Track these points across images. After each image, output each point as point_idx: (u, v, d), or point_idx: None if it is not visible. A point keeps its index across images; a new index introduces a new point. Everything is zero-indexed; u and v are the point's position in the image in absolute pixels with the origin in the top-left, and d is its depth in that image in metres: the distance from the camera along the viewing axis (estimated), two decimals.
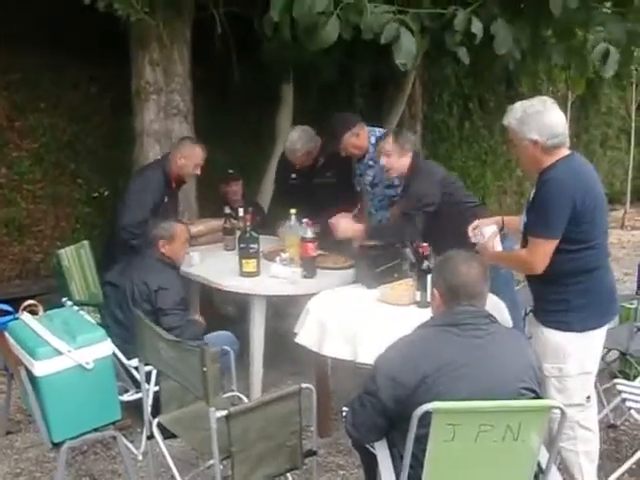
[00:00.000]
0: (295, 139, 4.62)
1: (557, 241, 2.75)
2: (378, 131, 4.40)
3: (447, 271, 2.41)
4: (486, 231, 3.19)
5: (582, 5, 4.11)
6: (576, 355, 2.86)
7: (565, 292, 2.84)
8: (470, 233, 3.24)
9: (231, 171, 5.22)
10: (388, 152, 3.94)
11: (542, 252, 2.78)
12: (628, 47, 4.34)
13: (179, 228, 3.82)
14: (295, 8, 3.65)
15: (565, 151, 2.83)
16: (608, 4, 4.43)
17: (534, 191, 2.87)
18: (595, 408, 3.07)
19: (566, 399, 2.86)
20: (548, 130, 2.76)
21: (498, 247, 3.15)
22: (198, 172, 4.49)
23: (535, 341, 2.95)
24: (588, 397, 2.96)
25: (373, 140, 4.32)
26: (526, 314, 4.27)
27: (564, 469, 2.98)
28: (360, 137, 4.31)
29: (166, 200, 4.38)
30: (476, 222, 3.28)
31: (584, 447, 2.97)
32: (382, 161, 3.97)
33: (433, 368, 2.17)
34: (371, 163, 4.35)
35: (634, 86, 10.20)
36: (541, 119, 2.77)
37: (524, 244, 2.94)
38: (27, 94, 5.57)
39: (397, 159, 3.93)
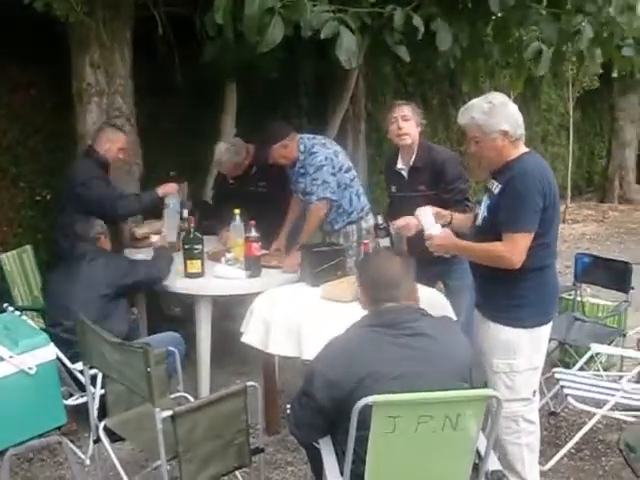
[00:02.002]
0: (222, 151, 4.69)
1: (532, 234, 2.76)
2: (307, 138, 4.36)
3: (368, 270, 2.45)
4: (428, 222, 3.13)
5: (518, 4, 4.23)
6: (525, 351, 2.91)
7: (521, 288, 2.86)
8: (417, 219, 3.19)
9: (173, 173, 5.08)
10: (406, 117, 3.84)
11: (520, 246, 2.77)
12: (560, 47, 4.46)
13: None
14: (246, 7, 3.65)
15: (524, 147, 2.89)
16: (543, 4, 4.55)
17: (499, 186, 2.86)
18: (537, 402, 3.14)
19: (514, 394, 2.93)
20: (514, 120, 2.81)
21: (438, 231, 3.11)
22: (122, 156, 4.54)
23: (482, 337, 2.99)
24: (534, 392, 3.02)
25: (302, 148, 4.27)
26: None
27: (505, 461, 3.03)
28: (288, 148, 4.24)
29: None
30: (405, 219, 3.26)
31: (527, 439, 3.03)
32: (400, 124, 3.83)
33: (367, 371, 2.19)
34: (302, 171, 4.30)
35: (570, 84, 10.48)
36: (507, 110, 2.82)
37: (479, 236, 2.94)
38: None
39: (415, 126, 3.87)
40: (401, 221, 3.37)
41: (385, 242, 3.61)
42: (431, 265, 3.23)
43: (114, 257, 4.05)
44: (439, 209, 3.29)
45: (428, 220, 3.13)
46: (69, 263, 3.82)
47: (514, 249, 2.77)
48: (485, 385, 2.92)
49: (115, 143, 4.43)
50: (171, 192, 4.51)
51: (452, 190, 3.77)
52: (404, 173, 3.98)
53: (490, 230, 2.89)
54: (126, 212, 4.44)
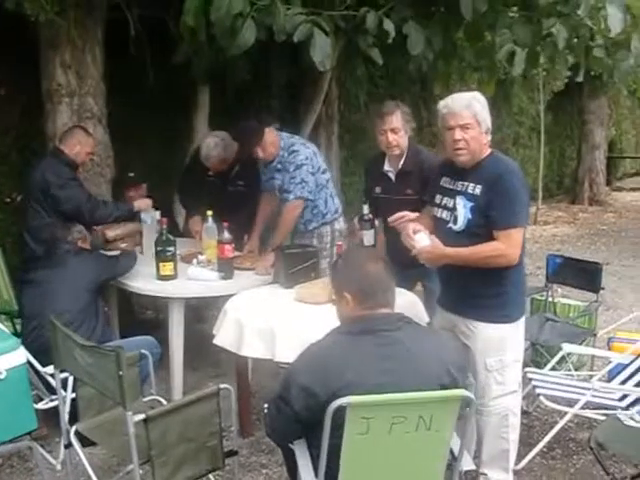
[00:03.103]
0: (212, 146, 4.59)
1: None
2: (286, 136, 4.34)
3: (359, 273, 2.35)
4: (420, 237, 2.99)
5: (490, 9, 4.27)
6: (512, 344, 3.01)
7: (505, 285, 2.94)
8: (410, 239, 3.01)
9: (131, 174, 5.02)
10: (396, 129, 3.78)
11: (518, 242, 2.85)
12: (533, 48, 4.51)
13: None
14: (212, 11, 3.65)
15: None
16: (515, 8, 4.60)
17: (477, 186, 2.88)
18: (521, 393, 3.21)
19: (505, 389, 3.00)
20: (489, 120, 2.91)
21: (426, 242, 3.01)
22: (88, 161, 4.56)
23: (470, 340, 3.02)
24: (519, 382, 3.11)
25: (282, 144, 4.25)
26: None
27: (493, 458, 3.10)
28: (267, 143, 4.19)
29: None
30: (413, 227, 3.04)
31: (514, 435, 3.11)
32: (389, 138, 3.78)
33: (344, 382, 2.14)
34: (279, 167, 4.28)
35: (541, 87, 10.59)
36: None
37: (465, 241, 2.91)
38: None
39: (404, 135, 3.81)
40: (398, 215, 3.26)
41: (369, 234, 3.60)
42: (410, 267, 3.23)
43: (97, 253, 4.11)
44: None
45: (421, 235, 3.00)
46: (52, 262, 3.81)
47: (512, 245, 2.84)
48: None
49: (85, 147, 4.39)
50: (145, 208, 4.54)
51: None
52: (391, 175, 3.94)
53: (476, 232, 2.89)
54: (102, 219, 4.37)
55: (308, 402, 2.20)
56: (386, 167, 3.95)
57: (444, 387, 2.23)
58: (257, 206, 4.54)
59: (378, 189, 3.98)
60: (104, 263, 4.00)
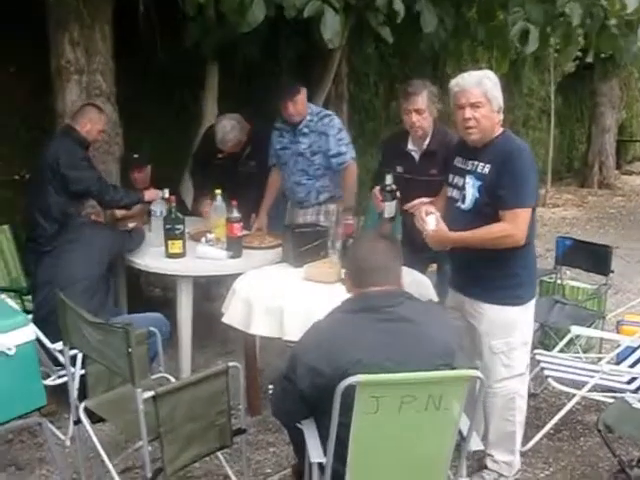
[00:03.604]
0: (228, 129, 4.56)
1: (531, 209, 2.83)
2: (313, 105, 4.46)
3: (354, 254, 2.43)
4: (430, 219, 3.00)
5: None
6: (521, 326, 2.98)
7: (516, 267, 2.92)
8: (422, 221, 3.02)
9: (136, 155, 4.99)
10: (420, 110, 3.65)
11: (525, 222, 2.81)
12: (544, 29, 4.46)
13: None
14: None
15: None
16: None
17: (486, 165, 2.87)
18: (528, 375, 3.20)
19: (511, 371, 2.99)
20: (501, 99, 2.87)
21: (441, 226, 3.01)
22: (100, 138, 4.53)
23: (477, 321, 3.01)
24: (527, 365, 3.09)
25: (310, 111, 4.35)
26: None
27: (499, 439, 3.10)
28: (298, 104, 4.27)
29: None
30: (425, 209, 3.06)
31: (520, 417, 3.11)
32: (413, 118, 3.66)
33: (349, 360, 2.15)
34: (305, 131, 4.33)
35: (552, 69, 10.49)
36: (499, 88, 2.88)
37: (473, 221, 2.89)
38: None
39: (429, 116, 3.69)
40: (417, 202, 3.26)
41: (391, 206, 3.52)
42: (425, 249, 3.18)
43: (111, 226, 4.25)
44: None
45: (431, 218, 3.00)
46: (67, 234, 3.85)
47: (519, 225, 2.80)
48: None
49: (96, 124, 4.35)
50: (154, 198, 4.50)
51: None
52: (415, 155, 3.83)
53: (483, 211, 2.88)
54: (110, 204, 4.38)
55: (314, 381, 2.21)
56: (410, 146, 3.84)
57: (446, 363, 2.24)
58: (265, 186, 4.55)
59: (400, 168, 3.81)
60: (117, 236, 4.04)
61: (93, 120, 4.34)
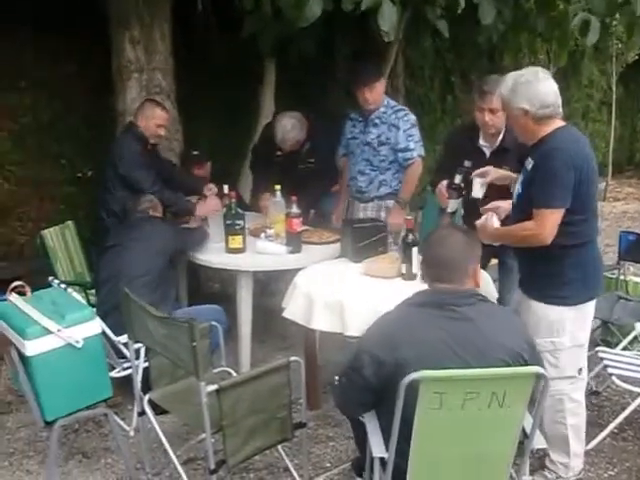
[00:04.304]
0: (289, 129, 4.57)
1: (563, 210, 2.74)
2: (389, 98, 4.46)
3: (428, 249, 2.43)
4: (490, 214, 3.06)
5: None
6: (570, 328, 2.89)
7: (560, 266, 2.84)
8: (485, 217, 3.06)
9: (195, 152, 5.05)
10: (495, 109, 3.53)
11: (551, 223, 2.74)
12: (605, 18, 4.37)
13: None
14: None
15: (559, 122, 2.83)
16: None
17: (531, 162, 2.84)
18: (585, 381, 3.12)
19: (559, 372, 2.91)
20: (538, 100, 2.75)
21: (496, 225, 3.05)
22: (162, 133, 4.51)
23: (526, 317, 2.96)
24: (580, 369, 3.00)
25: (385, 102, 4.37)
26: None
27: (550, 440, 3.01)
28: (375, 91, 4.28)
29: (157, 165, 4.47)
30: (494, 204, 3.12)
31: (572, 420, 3.03)
32: (486, 117, 3.59)
33: (413, 354, 2.18)
34: (377, 122, 4.35)
35: (614, 58, 10.24)
36: (531, 89, 2.77)
37: (516, 214, 2.92)
38: (6, 73, 5.50)
39: (502, 115, 3.48)
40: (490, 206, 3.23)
41: (454, 203, 3.55)
42: (486, 243, 3.15)
43: (171, 221, 4.29)
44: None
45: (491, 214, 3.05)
46: (126, 229, 3.93)
47: (543, 225, 2.75)
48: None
49: (152, 119, 4.41)
50: (207, 214, 4.38)
51: None
52: (486, 150, 3.75)
53: (524, 206, 2.86)
54: (163, 202, 4.28)
55: (379, 370, 2.24)
56: (481, 142, 3.76)
57: (509, 366, 2.23)
58: (324, 181, 4.61)
59: (468, 163, 3.66)
60: (177, 232, 4.09)
61: (148, 116, 4.41)
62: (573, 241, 2.80)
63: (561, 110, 2.83)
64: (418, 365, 2.12)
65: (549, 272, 2.87)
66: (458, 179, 3.51)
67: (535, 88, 2.77)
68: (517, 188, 2.96)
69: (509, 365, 2.23)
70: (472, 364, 2.18)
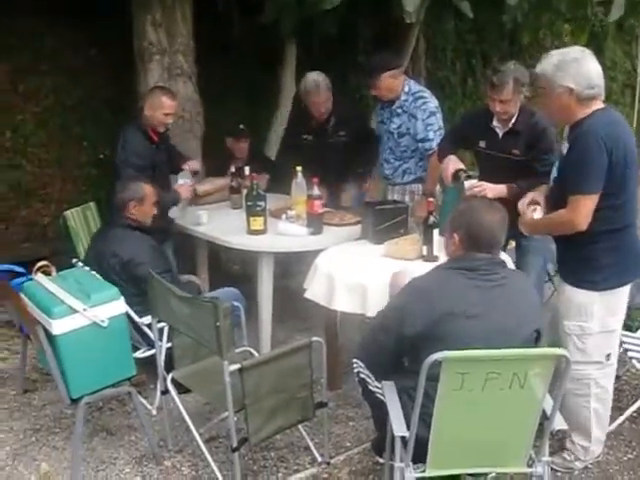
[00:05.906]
0: (321, 79, 4.51)
1: (598, 195, 2.69)
2: (412, 82, 4.43)
3: (471, 219, 2.51)
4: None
5: None
6: (599, 313, 2.87)
7: (592, 250, 2.81)
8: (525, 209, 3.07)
9: (242, 126, 5.09)
10: (505, 100, 3.56)
11: (584, 208, 2.70)
12: None
13: (148, 189, 3.73)
14: None
15: (600, 104, 2.77)
16: None
17: (567, 145, 2.80)
18: (614, 367, 3.08)
19: (586, 357, 2.91)
20: (585, 79, 2.69)
21: (537, 216, 3.03)
22: (169, 121, 4.35)
23: (560, 298, 2.99)
24: (608, 355, 2.96)
25: (407, 89, 4.32)
26: None
27: (572, 422, 3.02)
28: (397, 80, 4.27)
29: (154, 156, 4.34)
30: (531, 195, 3.11)
31: (596, 405, 3.02)
32: (497, 107, 3.59)
33: (447, 308, 2.34)
34: (399, 111, 4.33)
35: (639, 39, 10.09)
36: (579, 67, 2.70)
37: (553, 200, 2.90)
38: (29, 57, 5.55)
39: (514, 104, 3.59)
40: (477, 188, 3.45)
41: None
42: None
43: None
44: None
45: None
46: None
47: (577, 212, 2.71)
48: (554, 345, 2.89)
49: (158, 110, 4.25)
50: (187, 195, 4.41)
51: (544, 160, 3.52)
52: (499, 131, 3.75)
53: (557, 192, 2.85)
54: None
55: (405, 327, 2.40)
56: (495, 123, 3.76)
57: (534, 329, 2.46)
58: (363, 153, 4.64)
59: (483, 143, 3.78)
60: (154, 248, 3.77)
61: (154, 106, 4.26)
62: (609, 226, 2.76)
63: (603, 92, 2.77)
64: (453, 326, 2.31)
65: (582, 256, 2.84)
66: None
67: (582, 67, 2.71)
68: (553, 172, 2.94)
69: (535, 326, 2.46)
70: (505, 325, 2.37)
